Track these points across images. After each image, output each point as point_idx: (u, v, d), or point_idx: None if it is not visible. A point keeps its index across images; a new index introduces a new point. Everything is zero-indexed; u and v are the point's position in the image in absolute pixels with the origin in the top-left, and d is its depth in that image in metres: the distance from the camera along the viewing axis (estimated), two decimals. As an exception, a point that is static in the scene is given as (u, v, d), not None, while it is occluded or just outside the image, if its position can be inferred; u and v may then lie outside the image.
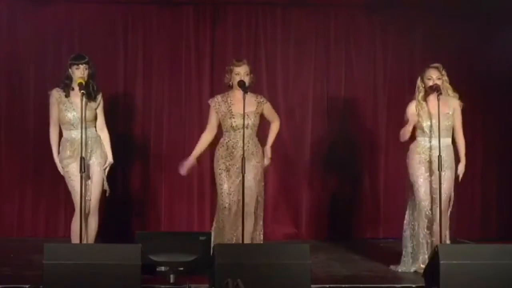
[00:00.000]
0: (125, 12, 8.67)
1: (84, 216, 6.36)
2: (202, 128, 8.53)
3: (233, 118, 6.67)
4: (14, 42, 8.48)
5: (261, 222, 6.80)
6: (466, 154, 6.81)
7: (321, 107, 8.81)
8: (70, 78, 6.49)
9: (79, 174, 6.25)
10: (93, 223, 6.48)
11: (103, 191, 6.56)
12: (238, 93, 6.66)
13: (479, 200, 8.89)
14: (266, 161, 6.79)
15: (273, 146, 6.85)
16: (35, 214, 8.55)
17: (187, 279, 5.60)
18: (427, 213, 6.67)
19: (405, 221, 6.88)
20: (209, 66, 8.67)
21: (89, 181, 6.44)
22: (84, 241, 6.35)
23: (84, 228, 6.34)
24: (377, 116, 8.80)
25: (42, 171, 8.37)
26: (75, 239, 6.37)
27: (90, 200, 6.47)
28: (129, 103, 8.61)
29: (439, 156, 6.46)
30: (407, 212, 6.88)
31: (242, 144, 6.52)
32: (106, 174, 6.59)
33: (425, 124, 6.71)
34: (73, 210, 6.47)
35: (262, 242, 6.72)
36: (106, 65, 8.38)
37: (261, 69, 8.64)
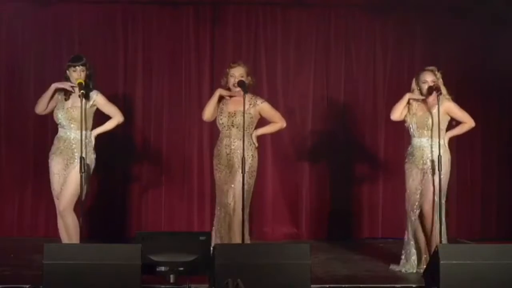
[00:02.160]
0: (125, 12, 8.67)
1: (59, 213, 6.44)
2: (202, 128, 8.57)
3: (221, 115, 6.74)
4: (14, 43, 8.48)
5: (247, 225, 6.79)
6: (465, 135, 6.87)
7: (321, 107, 8.80)
8: (68, 80, 6.50)
9: (57, 172, 6.45)
10: (69, 221, 6.42)
11: (77, 193, 6.33)
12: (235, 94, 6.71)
13: (479, 200, 8.88)
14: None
15: (261, 137, 6.94)
16: (35, 214, 8.55)
17: (187, 279, 5.59)
18: (413, 213, 6.69)
19: (407, 222, 6.87)
20: (209, 66, 8.67)
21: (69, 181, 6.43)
22: (66, 239, 6.42)
23: (63, 225, 6.43)
24: (377, 116, 8.79)
25: (42, 171, 8.35)
26: (62, 237, 6.48)
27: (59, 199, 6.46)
28: (129, 103, 8.60)
29: (439, 156, 6.45)
30: (407, 213, 6.87)
31: (226, 143, 6.63)
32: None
33: (409, 122, 6.72)
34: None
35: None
36: (106, 65, 8.40)
37: (261, 69, 8.64)
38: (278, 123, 6.89)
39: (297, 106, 8.76)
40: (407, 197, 6.79)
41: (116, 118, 6.60)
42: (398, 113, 6.75)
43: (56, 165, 6.48)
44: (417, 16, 8.73)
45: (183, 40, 8.69)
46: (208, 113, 6.81)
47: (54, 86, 6.50)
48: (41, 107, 6.59)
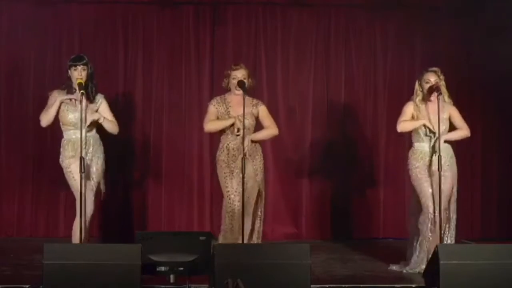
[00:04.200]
0: (125, 12, 8.68)
1: (92, 209, 6.41)
2: (202, 128, 8.56)
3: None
4: (14, 42, 8.48)
5: (261, 223, 6.81)
6: (462, 140, 6.81)
7: (321, 108, 8.80)
8: (70, 79, 6.50)
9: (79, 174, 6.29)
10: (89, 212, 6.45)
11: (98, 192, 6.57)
12: (235, 97, 6.72)
13: (479, 200, 8.88)
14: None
15: (255, 142, 6.79)
16: (35, 214, 8.55)
17: (187, 279, 5.59)
18: (431, 216, 6.64)
19: (410, 224, 6.84)
20: (209, 66, 8.68)
21: (89, 182, 6.41)
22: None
23: (84, 226, 6.37)
24: (377, 116, 8.80)
25: (42, 171, 8.38)
26: (75, 239, 6.35)
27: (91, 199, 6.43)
28: (129, 103, 8.61)
29: (439, 156, 6.44)
30: (411, 215, 6.84)
31: (242, 146, 6.57)
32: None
33: (424, 127, 6.69)
34: (73, 209, 6.48)
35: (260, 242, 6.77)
36: (106, 65, 8.41)
37: (261, 69, 8.65)
38: (271, 129, 6.88)
39: (297, 106, 8.77)
40: (420, 198, 6.67)
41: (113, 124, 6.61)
42: (408, 129, 6.75)
43: (77, 168, 6.27)
44: (417, 16, 8.73)
45: (183, 40, 8.69)
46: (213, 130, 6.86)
47: (59, 100, 6.44)
48: (48, 120, 6.49)
